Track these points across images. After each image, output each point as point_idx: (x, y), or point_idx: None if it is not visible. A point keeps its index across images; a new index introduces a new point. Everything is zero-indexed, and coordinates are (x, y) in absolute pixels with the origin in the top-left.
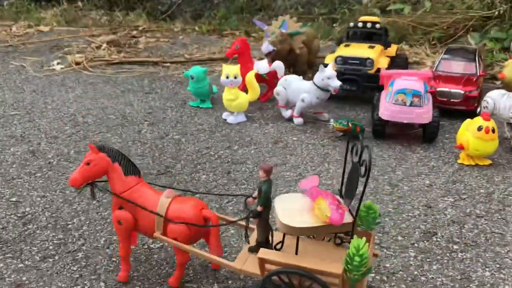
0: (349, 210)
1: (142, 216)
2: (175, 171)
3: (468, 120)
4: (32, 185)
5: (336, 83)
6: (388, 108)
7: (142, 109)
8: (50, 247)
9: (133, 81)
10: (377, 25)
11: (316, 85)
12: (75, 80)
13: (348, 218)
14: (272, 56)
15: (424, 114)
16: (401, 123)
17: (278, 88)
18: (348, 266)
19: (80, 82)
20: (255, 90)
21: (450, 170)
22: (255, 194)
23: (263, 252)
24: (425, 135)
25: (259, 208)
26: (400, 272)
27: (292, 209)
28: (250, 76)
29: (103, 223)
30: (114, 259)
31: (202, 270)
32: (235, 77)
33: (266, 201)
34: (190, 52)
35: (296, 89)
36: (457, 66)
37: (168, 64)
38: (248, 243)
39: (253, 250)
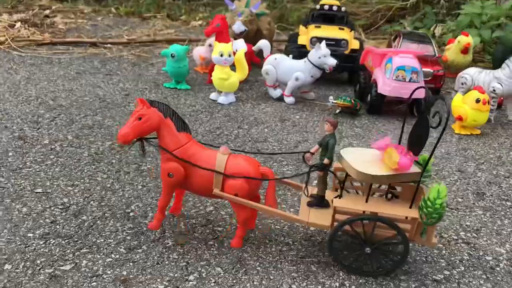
0: (417, 161)
1: (197, 174)
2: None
3: (459, 94)
4: (49, 174)
5: (332, 61)
6: (389, 84)
7: (115, 91)
8: (128, 238)
9: (81, 63)
10: (342, 8)
11: (312, 63)
12: (10, 61)
13: (416, 169)
14: (241, 37)
15: (420, 89)
16: (400, 98)
17: (268, 67)
18: (427, 209)
19: (18, 63)
20: (244, 69)
21: (453, 140)
22: (313, 149)
23: (342, 201)
24: (417, 110)
25: (326, 161)
26: (483, 228)
27: (362, 160)
28: (240, 55)
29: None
30: (211, 242)
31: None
32: (229, 56)
33: (332, 155)
34: (127, 34)
35: (287, 68)
36: (418, 49)
37: (109, 45)
38: (307, 196)
39: (313, 204)
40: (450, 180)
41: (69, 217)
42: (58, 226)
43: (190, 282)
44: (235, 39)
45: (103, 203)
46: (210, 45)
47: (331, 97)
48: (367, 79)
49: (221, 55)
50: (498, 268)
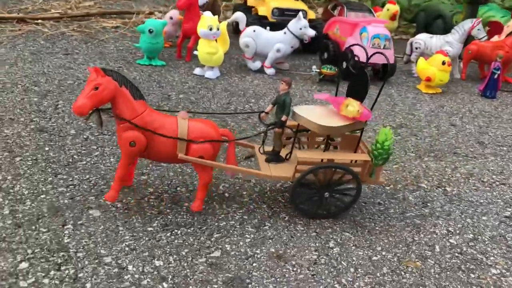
0: None
1: (160, 140)
2: (234, 129)
3: (422, 58)
4: (108, 165)
5: (311, 31)
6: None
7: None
8: (245, 217)
9: (26, 42)
10: None
11: (293, 34)
12: None
13: None
14: (203, 9)
15: (392, 55)
16: (375, 64)
17: (247, 40)
18: (377, 151)
19: None
20: (227, 41)
21: (427, 99)
22: (267, 109)
23: (303, 153)
24: (387, 74)
25: (283, 118)
26: (504, 171)
27: (319, 115)
28: (223, 27)
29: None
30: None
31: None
32: (218, 29)
33: (289, 112)
34: (48, 7)
35: (267, 40)
36: (362, 17)
37: (39, 21)
38: (264, 153)
39: (271, 160)
40: (452, 133)
41: (171, 205)
42: (169, 216)
43: (334, 249)
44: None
45: (183, 189)
46: (171, 18)
47: (314, 66)
48: (336, 48)
49: (211, 29)
50: None
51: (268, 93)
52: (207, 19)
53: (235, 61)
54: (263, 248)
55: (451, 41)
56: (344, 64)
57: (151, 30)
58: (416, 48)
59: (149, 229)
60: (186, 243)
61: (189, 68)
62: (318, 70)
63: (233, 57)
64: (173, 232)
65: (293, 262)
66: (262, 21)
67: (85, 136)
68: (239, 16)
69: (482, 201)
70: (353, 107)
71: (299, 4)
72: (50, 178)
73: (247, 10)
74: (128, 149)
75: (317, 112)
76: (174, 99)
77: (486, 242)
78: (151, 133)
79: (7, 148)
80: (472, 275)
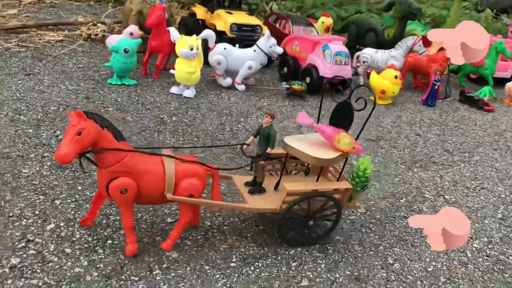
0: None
1: (147, 182)
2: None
3: (374, 72)
4: None
5: (280, 49)
6: (330, 67)
7: (67, 95)
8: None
9: None
10: None
11: (263, 52)
12: None
13: None
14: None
15: (350, 70)
16: (336, 79)
17: (219, 57)
18: (359, 179)
19: None
20: (201, 59)
21: (385, 110)
22: (249, 141)
23: (291, 185)
24: (344, 87)
25: (269, 150)
26: (476, 175)
27: (311, 145)
28: (199, 44)
29: None
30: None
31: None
32: (197, 48)
33: (274, 144)
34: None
35: (237, 57)
36: (306, 31)
37: None
38: (246, 185)
39: (254, 191)
40: (421, 143)
41: (236, 237)
42: (242, 249)
43: (395, 265)
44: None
45: (242, 217)
46: (131, 34)
47: (284, 83)
48: (296, 63)
49: (191, 49)
50: None
51: (251, 110)
52: (187, 39)
53: (203, 77)
54: (339, 272)
55: (396, 56)
56: (308, 79)
57: (126, 50)
58: (364, 62)
59: (232, 264)
60: (273, 275)
61: (162, 87)
62: (288, 86)
63: (202, 73)
64: (255, 265)
65: (371, 282)
66: (221, 36)
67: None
68: (209, 34)
69: (476, 206)
70: (345, 142)
71: (254, 20)
72: (104, 221)
73: (196, 23)
74: (121, 197)
75: (308, 142)
76: (169, 122)
77: (499, 243)
78: (135, 176)
79: (39, 191)
80: (505, 275)
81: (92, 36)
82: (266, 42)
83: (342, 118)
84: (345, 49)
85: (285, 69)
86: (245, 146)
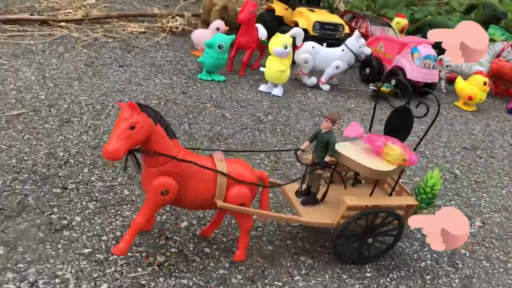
0: None
1: (196, 186)
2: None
3: (460, 78)
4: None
5: (368, 50)
6: (418, 71)
7: (163, 89)
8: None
9: (69, 51)
10: None
11: (352, 52)
12: None
13: None
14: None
15: (437, 75)
16: (423, 83)
17: (306, 56)
18: (426, 195)
19: None
20: (290, 57)
21: (472, 118)
22: (303, 146)
23: (351, 199)
24: (428, 92)
25: (327, 159)
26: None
27: (364, 155)
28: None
29: None
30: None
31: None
32: (290, 47)
33: (334, 152)
34: (56, 5)
35: (325, 56)
36: (383, 31)
37: (62, 24)
38: (298, 195)
39: (307, 202)
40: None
41: None
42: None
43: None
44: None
45: None
46: (217, 29)
47: (371, 84)
48: (380, 65)
49: (285, 47)
50: None
51: (341, 112)
52: (282, 37)
53: (293, 77)
54: None
55: (482, 61)
56: (393, 82)
57: (220, 46)
58: (446, 66)
59: (368, 274)
60: None
61: (250, 84)
62: (375, 88)
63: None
64: (390, 276)
65: None
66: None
67: None
68: (297, 32)
69: None
70: (394, 155)
71: (336, 18)
72: (233, 221)
73: (275, 19)
74: (159, 198)
75: (361, 151)
76: (266, 121)
77: None
78: (184, 178)
79: None
80: None
81: (173, 30)
82: (356, 42)
83: (399, 126)
84: (434, 53)
85: (367, 70)
86: (299, 152)
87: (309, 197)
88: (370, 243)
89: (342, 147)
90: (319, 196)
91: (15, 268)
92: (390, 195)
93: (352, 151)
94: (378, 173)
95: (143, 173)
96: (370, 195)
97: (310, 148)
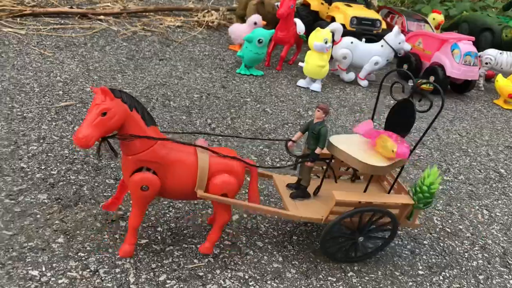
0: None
1: (176, 176)
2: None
3: (501, 75)
4: None
5: (408, 46)
6: (458, 68)
7: (203, 82)
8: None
9: (110, 44)
10: None
11: (391, 48)
12: (12, 45)
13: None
14: None
15: (477, 72)
16: (462, 80)
17: (345, 51)
18: (423, 194)
19: (26, 46)
20: (329, 52)
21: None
22: (295, 137)
23: (340, 194)
24: (468, 89)
25: (318, 151)
26: None
27: (357, 149)
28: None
29: None
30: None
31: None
32: (330, 42)
33: (324, 144)
34: (97, 0)
35: (364, 52)
36: (420, 27)
37: (101, 17)
38: (288, 187)
39: (296, 196)
40: None
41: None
42: (423, 256)
43: None
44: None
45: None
46: (255, 23)
47: (410, 81)
48: (418, 61)
49: (326, 42)
50: None
51: (380, 108)
52: (322, 32)
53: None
54: None
55: None
56: (432, 79)
57: (260, 40)
58: (486, 63)
59: (420, 272)
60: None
61: (288, 79)
62: (413, 84)
63: None
64: (442, 275)
65: None
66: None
67: None
68: (337, 27)
69: None
70: (385, 146)
71: (373, 14)
72: None
73: (310, 14)
74: (140, 194)
75: (357, 144)
76: (306, 116)
77: None
78: (163, 167)
79: None
80: None
81: (209, 24)
82: (395, 37)
83: (400, 120)
84: (475, 50)
85: (405, 67)
86: (290, 143)
87: (299, 191)
88: (360, 242)
89: (337, 140)
90: (312, 190)
91: (76, 256)
92: (389, 193)
93: (347, 144)
94: (372, 168)
95: (122, 162)
96: (364, 191)
97: (302, 140)
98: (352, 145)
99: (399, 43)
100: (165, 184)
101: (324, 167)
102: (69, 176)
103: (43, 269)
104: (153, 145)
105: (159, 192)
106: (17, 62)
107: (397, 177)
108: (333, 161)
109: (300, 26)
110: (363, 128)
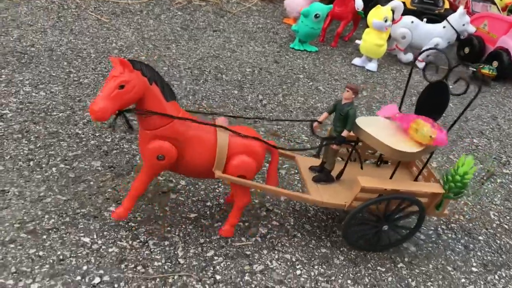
0: None
1: (194, 153)
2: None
3: None
4: None
5: (472, 28)
6: None
7: (257, 56)
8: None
9: (165, 13)
10: None
11: (454, 29)
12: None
13: None
14: None
15: None
16: None
17: (404, 31)
18: (455, 183)
19: (80, 17)
20: (389, 30)
21: None
22: (321, 118)
23: (366, 180)
24: None
25: (345, 133)
26: None
27: (386, 134)
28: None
29: None
30: None
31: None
32: (390, 21)
33: (352, 126)
34: None
35: (424, 32)
36: (486, 8)
37: None
38: (311, 170)
39: (320, 179)
40: None
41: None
42: (476, 251)
43: None
44: None
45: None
46: None
47: (471, 65)
48: (482, 44)
49: (386, 21)
50: None
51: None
52: (382, 10)
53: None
54: None
55: None
56: (496, 64)
57: (317, 15)
58: None
59: (474, 269)
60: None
61: (342, 57)
62: (475, 69)
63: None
64: (498, 274)
65: None
66: None
67: None
68: (397, 4)
69: None
70: (422, 131)
71: None
72: None
73: None
74: (155, 163)
75: (384, 128)
76: (361, 97)
77: None
78: (181, 144)
79: None
80: None
81: None
82: (459, 19)
83: (433, 104)
84: None
85: (466, 50)
86: (315, 124)
87: (322, 174)
88: (385, 231)
89: (364, 122)
90: (335, 173)
91: (126, 226)
92: (416, 180)
93: (375, 127)
94: (400, 154)
95: (139, 136)
96: (391, 177)
97: (328, 120)
98: (380, 128)
99: (463, 25)
100: (182, 160)
101: (350, 149)
102: (122, 145)
103: (95, 236)
104: (172, 121)
105: (175, 167)
106: (75, 27)
107: (426, 163)
108: (359, 144)
109: (358, 2)
110: (388, 111)
